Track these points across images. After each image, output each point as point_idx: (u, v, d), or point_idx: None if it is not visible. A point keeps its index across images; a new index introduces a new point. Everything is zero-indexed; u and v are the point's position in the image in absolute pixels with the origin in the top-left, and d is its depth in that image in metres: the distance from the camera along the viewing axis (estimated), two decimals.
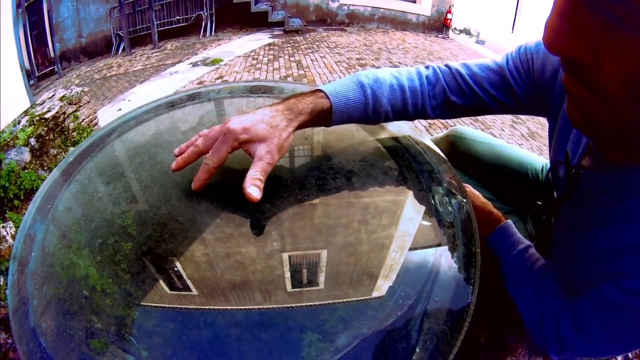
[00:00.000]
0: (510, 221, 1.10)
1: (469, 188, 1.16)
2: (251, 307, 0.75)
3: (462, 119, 5.84)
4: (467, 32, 16.41)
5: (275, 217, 0.91)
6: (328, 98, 0.99)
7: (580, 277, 0.88)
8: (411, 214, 0.96)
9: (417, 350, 0.70)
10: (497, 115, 6.48)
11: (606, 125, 0.64)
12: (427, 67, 1.14)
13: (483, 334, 1.24)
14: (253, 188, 0.85)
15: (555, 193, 1.08)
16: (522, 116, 6.71)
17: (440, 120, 5.66)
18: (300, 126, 0.96)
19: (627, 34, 0.50)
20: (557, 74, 0.94)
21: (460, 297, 0.78)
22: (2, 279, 1.55)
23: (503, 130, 6.14)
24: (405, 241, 0.89)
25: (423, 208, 0.97)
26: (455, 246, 0.88)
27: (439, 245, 0.89)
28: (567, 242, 0.93)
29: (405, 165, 1.07)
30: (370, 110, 1.05)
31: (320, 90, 1.01)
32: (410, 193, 1.00)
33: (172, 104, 1.38)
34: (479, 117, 6.28)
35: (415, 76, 1.11)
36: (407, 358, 0.69)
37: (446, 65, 1.13)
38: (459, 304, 0.77)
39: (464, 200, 0.98)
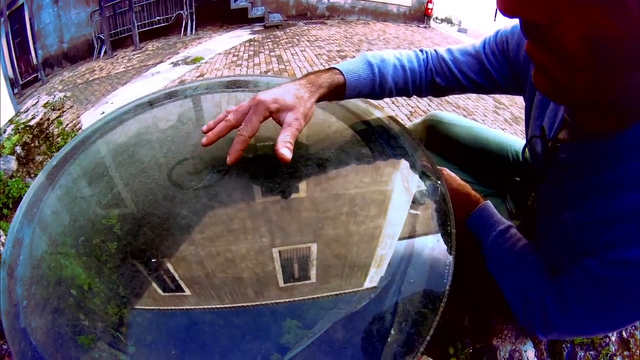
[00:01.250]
0: (489, 202, 1.10)
1: (446, 171, 1.18)
2: (230, 301, 0.77)
3: (445, 105, 5.89)
4: (448, 21, 16.47)
5: (255, 210, 0.93)
6: (342, 74, 1.11)
7: (563, 254, 0.88)
8: (385, 198, 0.97)
9: (393, 332, 0.71)
10: (479, 102, 6.53)
11: (572, 90, 0.64)
12: (421, 51, 1.27)
13: (467, 317, 1.25)
14: (285, 149, 0.92)
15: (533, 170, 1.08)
16: (505, 101, 6.75)
17: (422, 109, 5.69)
18: (320, 98, 1.07)
19: None
20: None
21: (436, 278, 0.79)
22: None
23: (486, 116, 6.16)
24: (378, 225, 0.90)
25: (396, 192, 0.98)
26: (429, 227, 0.89)
27: (413, 227, 0.89)
28: (549, 218, 0.94)
29: (379, 151, 1.09)
30: (377, 86, 1.17)
31: (335, 68, 1.12)
32: (384, 178, 1.02)
33: (150, 103, 1.39)
34: (461, 104, 6.32)
35: (414, 58, 1.24)
36: (382, 340, 0.70)
37: (435, 50, 1.25)
38: (434, 284, 0.78)
39: (438, 182, 0.99)
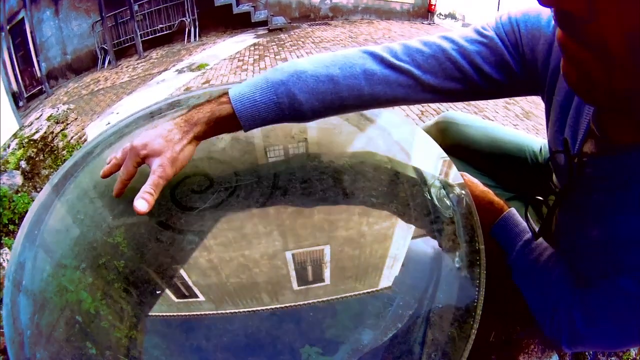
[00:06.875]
0: (513, 209, 1.05)
1: (467, 176, 1.11)
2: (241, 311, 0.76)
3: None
4: (452, 16, 16.42)
5: (269, 216, 0.94)
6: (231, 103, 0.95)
7: (592, 268, 0.85)
8: (406, 213, 0.93)
9: None
10: None
11: (607, 89, 0.57)
12: (389, 47, 1.00)
13: (492, 332, 1.21)
14: (140, 201, 0.89)
15: (555, 178, 1.03)
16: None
17: (433, 107, 5.64)
18: (198, 137, 0.97)
19: None
20: (551, 48, 0.85)
21: (465, 301, 0.76)
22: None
23: (497, 112, 6.11)
24: (401, 245, 0.87)
25: (419, 205, 0.94)
26: (456, 245, 0.85)
27: (439, 245, 0.86)
28: (576, 231, 0.89)
29: (397, 159, 1.05)
30: (286, 109, 0.96)
31: (226, 94, 0.96)
32: (404, 189, 0.98)
33: (152, 115, 1.37)
34: (472, 101, 6.26)
35: (358, 61, 0.97)
36: None
37: (423, 43, 0.97)
38: (464, 308, 0.75)
39: (463, 192, 0.95)
